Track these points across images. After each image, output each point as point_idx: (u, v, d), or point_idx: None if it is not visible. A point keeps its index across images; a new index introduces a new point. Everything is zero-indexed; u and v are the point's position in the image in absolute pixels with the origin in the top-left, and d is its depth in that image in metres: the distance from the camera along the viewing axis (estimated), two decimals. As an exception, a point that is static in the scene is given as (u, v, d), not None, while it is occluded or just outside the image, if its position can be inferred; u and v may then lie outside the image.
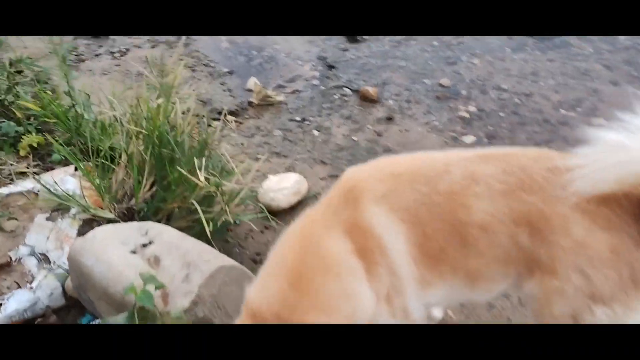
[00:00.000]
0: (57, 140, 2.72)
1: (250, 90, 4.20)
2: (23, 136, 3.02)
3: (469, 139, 3.58)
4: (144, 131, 2.49)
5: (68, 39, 4.49)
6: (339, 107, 3.94)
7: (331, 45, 4.68)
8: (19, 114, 3.10)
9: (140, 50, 4.57)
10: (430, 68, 4.40)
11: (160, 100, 2.53)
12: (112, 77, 4.19)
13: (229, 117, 3.87)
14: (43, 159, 3.00)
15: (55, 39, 3.28)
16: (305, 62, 4.48)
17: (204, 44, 4.68)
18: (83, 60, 4.42)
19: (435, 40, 4.71)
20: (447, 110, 3.96)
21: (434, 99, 4.06)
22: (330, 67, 4.42)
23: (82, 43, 4.62)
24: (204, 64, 4.43)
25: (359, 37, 4.71)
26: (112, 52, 4.52)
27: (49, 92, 3.20)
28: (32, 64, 3.46)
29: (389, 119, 3.82)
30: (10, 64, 3.40)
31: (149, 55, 4.48)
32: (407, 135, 3.60)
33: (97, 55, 4.49)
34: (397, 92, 4.12)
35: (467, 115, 3.91)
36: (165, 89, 2.57)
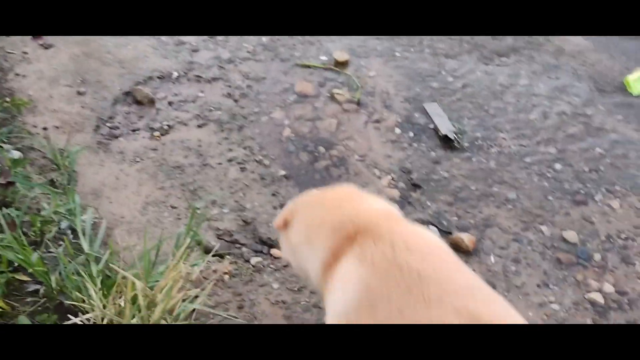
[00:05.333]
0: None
1: (307, 209, 3.27)
2: None
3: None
4: None
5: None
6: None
7: (420, 151, 3.65)
8: None
9: (186, 128, 3.75)
10: (550, 207, 3.27)
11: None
12: (143, 169, 3.38)
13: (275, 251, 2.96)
14: None
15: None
16: (384, 173, 3.48)
17: (262, 128, 3.79)
18: (117, 137, 3.65)
19: (558, 162, 3.57)
20: (573, 285, 2.85)
21: (554, 263, 2.96)
22: (415, 186, 3.40)
23: (122, 111, 3.86)
24: (256, 160, 3.54)
25: (457, 144, 3.65)
26: (151, 128, 3.73)
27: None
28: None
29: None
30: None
31: (194, 138, 3.67)
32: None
33: (134, 131, 3.71)
34: (501, 244, 3.04)
35: (600, 300, 2.78)
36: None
